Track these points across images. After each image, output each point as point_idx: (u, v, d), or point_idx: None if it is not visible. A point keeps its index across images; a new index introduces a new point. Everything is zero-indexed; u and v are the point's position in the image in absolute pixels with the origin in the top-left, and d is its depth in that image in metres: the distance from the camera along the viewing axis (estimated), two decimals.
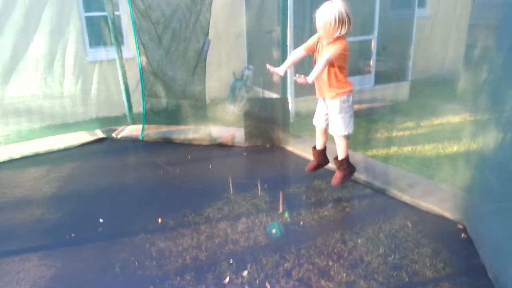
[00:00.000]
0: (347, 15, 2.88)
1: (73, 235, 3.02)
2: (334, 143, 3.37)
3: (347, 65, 3.08)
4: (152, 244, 2.86)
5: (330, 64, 2.98)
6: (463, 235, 2.86)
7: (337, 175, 3.35)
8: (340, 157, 3.32)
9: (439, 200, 3.23)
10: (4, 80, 4.68)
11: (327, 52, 2.94)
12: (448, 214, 3.07)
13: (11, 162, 4.40)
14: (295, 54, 3.19)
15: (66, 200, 3.56)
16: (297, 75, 2.80)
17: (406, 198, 3.33)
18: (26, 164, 4.33)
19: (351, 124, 3.20)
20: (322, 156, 3.54)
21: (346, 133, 3.21)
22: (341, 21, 2.86)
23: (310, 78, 2.84)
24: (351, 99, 3.16)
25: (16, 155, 4.49)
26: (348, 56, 3.02)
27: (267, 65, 3.16)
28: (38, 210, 3.38)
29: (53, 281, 2.55)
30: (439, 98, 6.33)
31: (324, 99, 3.25)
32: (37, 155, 4.55)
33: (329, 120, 3.24)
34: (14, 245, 2.91)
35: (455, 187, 3.35)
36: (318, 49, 3.10)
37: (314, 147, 3.57)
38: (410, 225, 2.99)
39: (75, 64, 5.08)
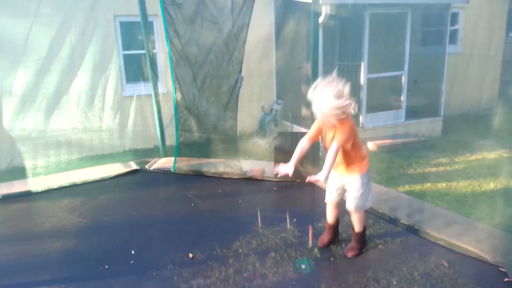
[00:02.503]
0: (344, 96, 2.64)
1: (106, 267, 3.05)
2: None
3: (359, 139, 2.93)
4: (180, 277, 2.85)
5: (343, 148, 2.82)
6: (506, 279, 2.70)
7: (354, 247, 3.11)
8: (358, 230, 3.10)
9: (476, 241, 3.09)
10: (47, 114, 4.96)
11: (334, 141, 2.76)
12: (487, 256, 2.93)
13: (49, 192, 4.57)
14: (300, 147, 2.99)
15: (99, 231, 3.64)
16: (308, 177, 2.67)
17: (441, 237, 3.20)
18: (63, 194, 4.49)
19: (370, 197, 3.01)
20: (335, 229, 3.30)
21: (363, 209, 3.03)
22: (337, 104, 2.63)
23: (322, 177, 2.67)
24: (369, 174, 3.01)
25: (54, 185, 4.67)
26: (357, 134, 2.88)
27: (275, 170, 2.98)
28: (72, 240, 3.47)
29: None
30: (473, 134, 6.18)
31: (341, 174, 3.03)
32: (73, 185, 4.71)
33: (348, 195, 3.02)
34: (49, 275, 2.97)
35: (493, 225, 3.21)
36: (325, 133, 2.92)
37: (327, 221, 3.29)
38: (446, 264, 2.87)
39: (114, 100, 5.34)
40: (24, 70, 4.96)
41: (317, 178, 2.68)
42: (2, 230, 3.76)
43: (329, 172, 2.72)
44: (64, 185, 4.70)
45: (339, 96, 2.63)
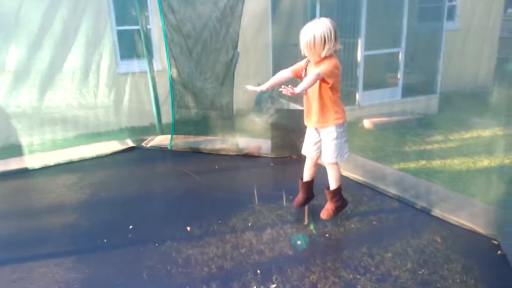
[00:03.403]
0: (333, 32, 2.68)
1: (105, 240, 3.11)
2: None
3: (340, 87, 2.86)
4: (178, 252, 2.90)
5: (322, 81, 2.74)
6: (499, 251, 2.77)
7: (329, 207, 3.05)
8: (333, 187, 3.03)
9: (471, 215, 3.15)
10: (41, 91, 4.90)
11: (318, 69, 2.71)
12: (481, 230, 2.99)
13: (45, 169, 4.57)
14: (281, 74, 2.95)
15: (98, 207, 3.68)
16: (283, 86, 2.55)
17: (436, 212, 3.26)
18: (60, 171, 4.49)
19: (346, 150, 2.93)
20: (310, 188, 3.25)
21: (339, 161, 2.94)
22: (326, 38, 2.66)
23: (298, 89, 2.56)
24: (345, 125, 2.93)
25: (51, 162, 4.67)
26: (340, 77, 2.81)
27: (246, 86, 2.93)
28: (71, 215, 3.50)
29: (85, 285, 2.63)
30: (469, 111, 6.20)
31: (315, 125, 2.97)
32: (70, 162, 4.72)
33: (322, 146, 2.96)
34: (48, 249, 3.02)
35: (487, 202, 3.27)
36: (307, 73, 2.87)
37: (301, 179, 3.27)
38: (439, 240, 2.93)
39: (108, 76, 5.28)
40: (17, 45, 4.87)
41: (294, 89, 2.55)
42: (1, 206, 3.78)
43: (305, 88, 2.64)
44: (60, 162, 4.70)
45: (330, 27, 2.68)
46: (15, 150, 4.93)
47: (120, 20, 6.60)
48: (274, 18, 7.60)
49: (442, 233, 3.02)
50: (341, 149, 2.92)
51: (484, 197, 3.36)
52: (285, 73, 2.96)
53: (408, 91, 7.37)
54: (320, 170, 3.24)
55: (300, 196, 3.27)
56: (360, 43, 6.93)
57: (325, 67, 2.70)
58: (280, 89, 2.60)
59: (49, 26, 4.92)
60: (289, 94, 2.56)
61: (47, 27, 4.90)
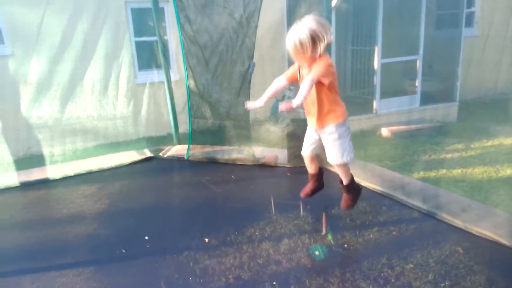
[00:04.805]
0: (319, 29, 2.48)
1: (123, 250, 3.13)
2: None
3: (337, 85, 2.73)
4: (196, 262, 2.90)
5: (319, 83, 2.61)
6: None
7: (347, 198, 3.09)
8: (345, 182, 3.02)
9: (494, 226, 3.06)
10: (63, 102, 5.02)
11: (310, 73, 2.57)
12: (505, 241, 2.90)
13: (66, 179, 4.66)
14: (276, 84, 2.82)
15: (116, 217, 3.72)
16: (280, 103, 2.44)
17: (457, 222, 3.19)
18: (80, 181, 4.57)
19: (351, 149, 2.83)
20: (317, 179, 3.17)
21: (345, 161, 2.85)
22: (313, 38, 2.48)
23: (295, 102, 2.41)
24: (347, 124, 2.81)
25: (71, 173, 4.76)
26: (335, 74, 2.67)
27: (246, 103, 2.86)
28: (90, 225, 3.55)
29: None
30: (490, 119, 6.07)
31: (314, 127, 2.86)
32: (90, 173, 4.80)
33: (325, 148, 2.87)
34: (68, 259, 3.06)
35: (510, 212, 3.18)
36: (302, 76, 2.72)
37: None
38: (461, 251, 2.86)
39: (127, 87, 5.37)
40: (38, 58, 5.01)
41: (291, 104, 2.42)
42: (22, 216, 3.86)
43: (303, 98, 2.46)
44: (80, 172, 4.78)
45: (314, 24, 2.49)
46: (37, 160, 5.05)
47: (138, 32, 6.73)
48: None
49: (464, 244, 2.94)
50: (345, 149, 2.81)
51: (506, 207, 3.27)
52: (281, 82, 2.84)
53: (427, 98, 7.28)
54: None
55: (307, 186, 3.18)
56: (377, 51, 6.89)
57: (318, 68, 2.55)
58: (279, 110, 2.53)
59: (70, 39, 5.05)
60: (288, 111, 2.46)
61: (67, 40, 5.03)
